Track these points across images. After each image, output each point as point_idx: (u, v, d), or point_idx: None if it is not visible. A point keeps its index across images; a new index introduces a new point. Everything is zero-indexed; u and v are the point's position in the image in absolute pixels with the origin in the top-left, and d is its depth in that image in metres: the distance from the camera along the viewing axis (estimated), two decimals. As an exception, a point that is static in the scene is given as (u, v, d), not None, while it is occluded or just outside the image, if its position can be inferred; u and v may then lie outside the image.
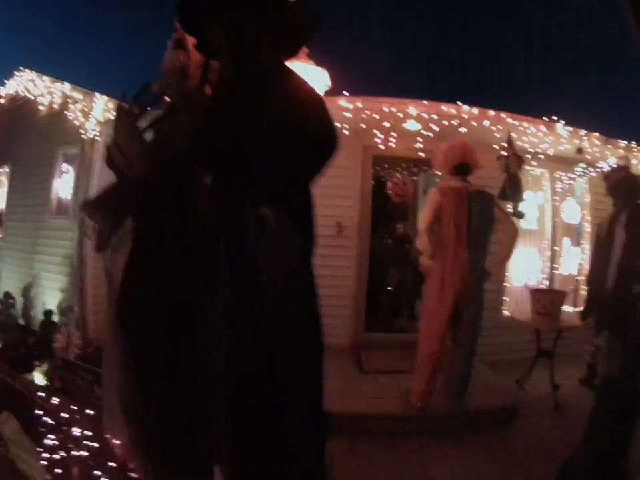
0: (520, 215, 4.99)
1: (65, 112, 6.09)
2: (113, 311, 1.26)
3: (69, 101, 6.10)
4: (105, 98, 5.67)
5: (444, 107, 4.69)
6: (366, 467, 3.03)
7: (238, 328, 1.10)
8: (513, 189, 4.76)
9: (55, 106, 6.52)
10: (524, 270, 5.71)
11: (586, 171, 5.71)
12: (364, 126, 4.87)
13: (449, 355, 3.68)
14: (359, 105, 4.63)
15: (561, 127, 5.27)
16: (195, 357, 1.15)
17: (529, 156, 5.37)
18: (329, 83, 3.50)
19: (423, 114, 4.70)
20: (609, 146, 5.76)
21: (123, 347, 1.24)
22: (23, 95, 7.20)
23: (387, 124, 4.88)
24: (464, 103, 4.88)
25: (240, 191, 1.11)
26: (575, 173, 5.76)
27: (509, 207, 4.67)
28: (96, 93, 5.74)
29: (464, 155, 3.68)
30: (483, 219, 3.60)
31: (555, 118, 5.28)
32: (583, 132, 5.47)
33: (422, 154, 5.13)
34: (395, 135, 5.02)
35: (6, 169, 7.73)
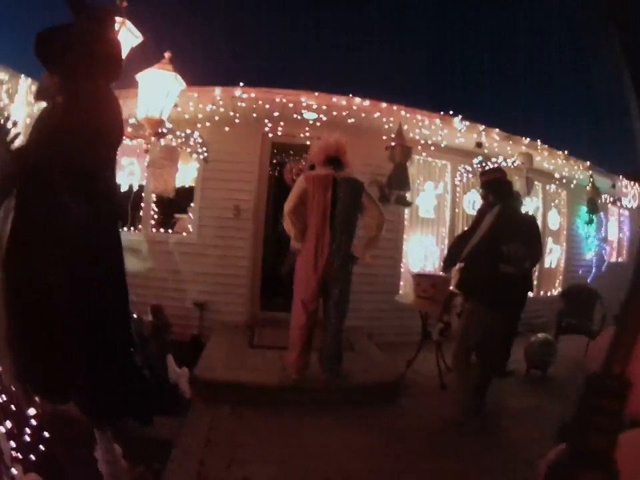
0: (406, 203, 5.27)
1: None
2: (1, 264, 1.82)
3: (-5, 81, 6.15)
4: (29, 80, 5.75)
5: (334, 99, 4.88)
6: (245, 430, 3.23)
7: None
8: (399, 178, 5.04)
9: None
10: (420, 256, 6.00)
11: (484, 164, 5.97)
12: (259, 115, 5.08)
13: (319, 331, 3.91)
14: (253, 95, 4.81)
15: (458, 120, 5.47)
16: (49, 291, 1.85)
17: (421, 147, 5.62)
18: (183, 85, 3.90)
19: (315, 104, 4.91)
20: (510, 142, 6.02)
21: (6, 289, 1.82)
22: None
23: (280, 113, 5.09)
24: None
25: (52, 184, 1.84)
26: (474, 166, 6.02)
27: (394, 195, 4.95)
28: (22, 75, 5.81)
29: (338, 150, 3.89)
30: (348, 204, 3.80)
31: (451, 112, 5.49)
32: (481, 127, 5.70)
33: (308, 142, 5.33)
34: (289, 124, 5.24)
35: None
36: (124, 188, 5.41)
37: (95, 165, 1.93)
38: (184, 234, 5.55)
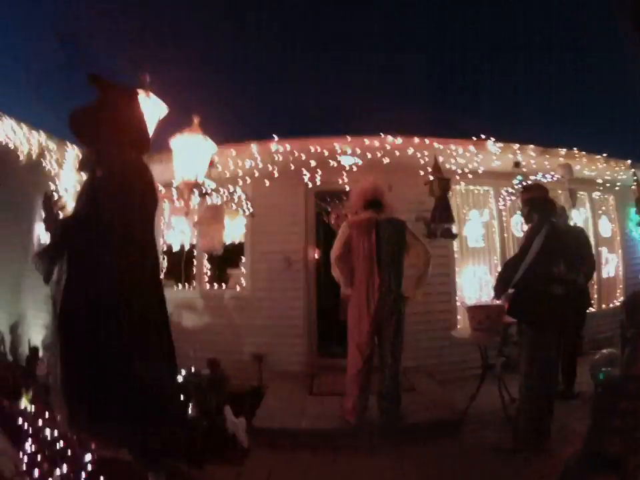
0: (452, 236, 5.24)
1: (42, 160, 6.51)
2: (56, 324, 2.07)
3: (45, 150, 6.52)
4: (76, 148, 6.09)
5: (367, 140, 4.93)
6: (304, 476, 3.26)
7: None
8: (441, 212, 5.03)
9: (33, 154, 6.96)
10: (475, 288, 5.90)
11: (524, 182, 5.86)
12: (296, 165, 5.25)
13: (377, 374, 3.89)
14: (288, 146, 4.96)
15: (491, 144, 5.38)
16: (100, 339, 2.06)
17: (459, 177, 5.58)
18: (214, 149, 4.15)
19: (349, 149, 4.99)
20: (547, 156, 5.86)
21: (60, 340, 2.05)
22: (4, 142, 7.65)
23: (317, 162, 5.24)
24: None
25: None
26: (515, 187, 5.92)
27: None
28: (67, 143, 6.15)
29: (375, 193, 3.98)
30: (393, 245, 3.85)
31: (483, 136, 5.38)
32: (516, 146, 5.58)
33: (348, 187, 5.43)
34: (327, 171, 5.36)
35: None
36: (175, 247, 5.63)
37: (133, 230, 2.21)
38: (237, 288, 5.69)
